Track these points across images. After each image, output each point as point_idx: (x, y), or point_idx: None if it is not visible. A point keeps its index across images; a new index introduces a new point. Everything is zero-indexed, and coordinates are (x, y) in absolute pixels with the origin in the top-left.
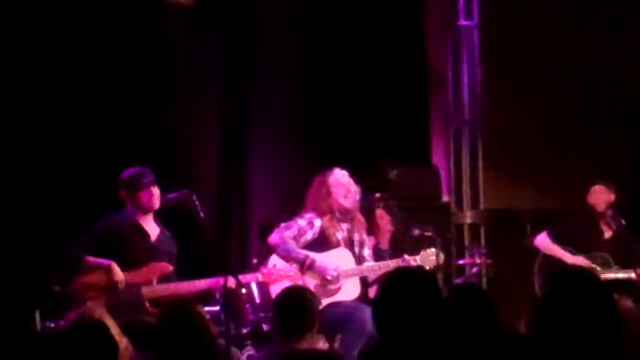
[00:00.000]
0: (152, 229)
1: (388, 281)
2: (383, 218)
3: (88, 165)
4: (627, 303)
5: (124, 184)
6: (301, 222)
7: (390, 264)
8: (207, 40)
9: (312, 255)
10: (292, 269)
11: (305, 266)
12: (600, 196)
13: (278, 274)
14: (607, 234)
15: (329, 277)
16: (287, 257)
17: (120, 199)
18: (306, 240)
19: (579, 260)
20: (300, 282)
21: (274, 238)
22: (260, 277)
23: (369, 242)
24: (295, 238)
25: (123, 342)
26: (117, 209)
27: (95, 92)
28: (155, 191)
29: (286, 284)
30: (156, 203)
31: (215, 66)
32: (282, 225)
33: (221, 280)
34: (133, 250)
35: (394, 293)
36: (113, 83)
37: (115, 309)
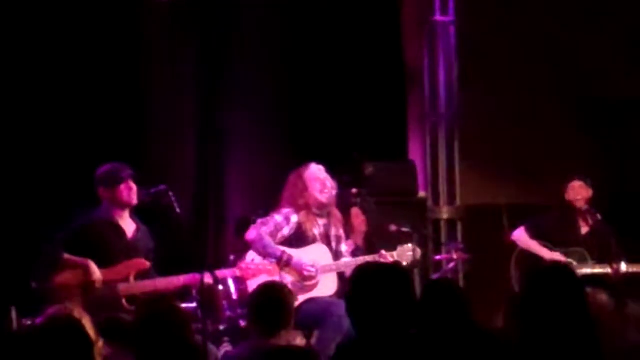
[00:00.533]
0: (129, 225)
1: (355, 276)
2: (358, 217)
3: (65, 163)
4: (603, 297)
5: (102, 180)
6: (278, 217)
7: (368, 260)
8: (184, 36)
9: (290, 251)
10: (270, 262)
11: (283, 262)
12: (580, 192)
13: (256, 268)
14: (584, 229)
15: (305, 274)
16: (264, 254)
17: (97, 195)
18: (283, 236)
19: (557, 256)
20: (277, 277)
21: (251, 234)
22: (238, 272)
23: (348, 246)
24: (272, 234)
25: (99, 340)
26: (94, 206)
27: (71, 88)
28: (133, 186)
29: (264, 279)
30: (134, 198)
31: (191, 64)
32: (259, 221)
33: (198, 276)
34: (110, 247)
35: (362, 287)
36: (88, 79)
37: (92, 307)
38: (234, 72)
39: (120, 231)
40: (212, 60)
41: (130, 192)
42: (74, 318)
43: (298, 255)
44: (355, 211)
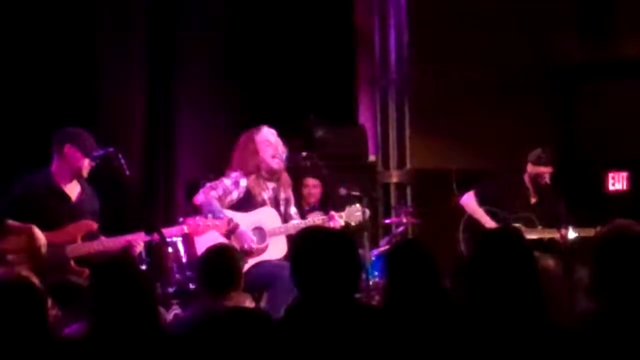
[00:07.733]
0: (72, 189)
1: (296, 243)
2: (306, 187)
3: (12, 125)
4: (549, 262)
5: (75, 139)
6: (226, 181)
7: (317, 221)
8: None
9: (238, 216)
10: (219, 219)
11: (229, 229)
12: (547, 171)
13: (205, 225)
14: (533, 196)
15: (246, 247)
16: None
17: (56, 149)
18: (232, 200)
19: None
20: (225, 240)
21: (199, 198)
22: (186, 228)
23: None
24: (221, 198)
25: (47, 300)
26: (38, 169)
27: (21, 50)
28: (90, 164)
29: (212, 236)
30: (86, 174)
31: (142, 27)
32: (208, 184)
33: (143, 234)
34: (54, 212)
35: (303, 252)
36: (38, 39)
37: (40, 270)
38: (184, 35)
39: (64, 196)
40: (162, 23)
41: (89, 169)
42: (25, 277)
43: (245, 223)
44: (306, 181)
